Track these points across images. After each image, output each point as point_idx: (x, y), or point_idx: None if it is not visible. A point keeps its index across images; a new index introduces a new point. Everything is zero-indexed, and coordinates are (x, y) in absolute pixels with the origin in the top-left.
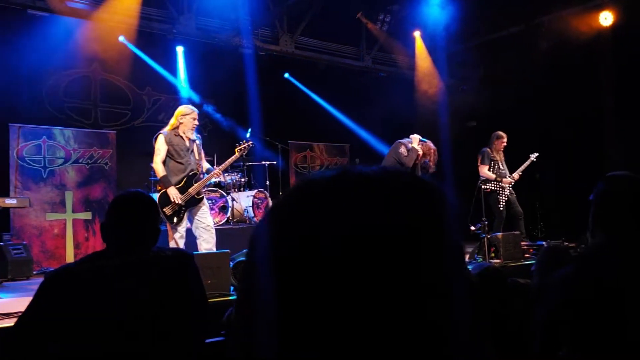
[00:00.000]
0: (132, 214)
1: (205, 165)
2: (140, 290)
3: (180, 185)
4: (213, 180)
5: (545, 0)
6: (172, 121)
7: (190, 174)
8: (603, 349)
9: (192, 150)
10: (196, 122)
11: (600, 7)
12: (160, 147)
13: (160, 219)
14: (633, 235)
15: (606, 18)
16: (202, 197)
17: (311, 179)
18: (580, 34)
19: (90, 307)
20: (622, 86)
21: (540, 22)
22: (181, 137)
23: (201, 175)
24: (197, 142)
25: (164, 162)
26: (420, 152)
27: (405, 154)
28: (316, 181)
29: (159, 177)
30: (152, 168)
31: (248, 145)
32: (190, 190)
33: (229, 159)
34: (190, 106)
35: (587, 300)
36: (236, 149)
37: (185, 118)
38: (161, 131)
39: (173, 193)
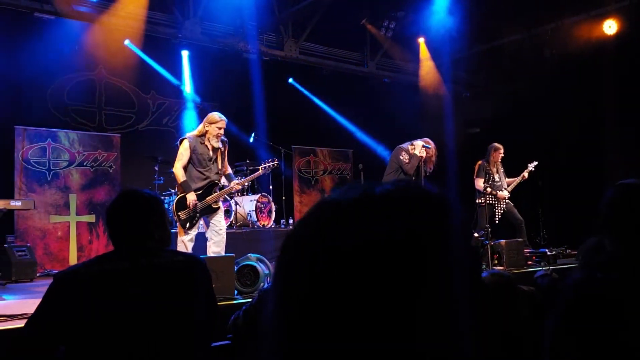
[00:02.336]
0: (142, 213)
1: (228, 170)
2: (152, 296)
3: (199, 193)
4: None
5: (549, 9)
6: (200, 127)
7: (210, 183)
8: (610, 357)
9: (216, 160)
10: (221, 132)
11: (605, 16)
12: (183, 152)
13: (170, 220)
14: (638, 242)
15: (610, 27)
16: (219, 207)
17: (332, 200)
18: (584, 42)
19: (99, 311)
20: (624, 94)
21: (544, 30)
22: (206, 145)
23: (220, 186)
24: (222, 148)
25: (185, 168)
26: (424, 155)
27: (407, 161)
28: (336, 202)
29: (179, 182)
30: (156, 171)
31: (273, 165)
32: (208, 199)
33: (252, 175)
34: (219, 114)
35: (594, 307)
36: (260, 167)
37: (211, 126)
38: (187, 135)
39: (191, 199)
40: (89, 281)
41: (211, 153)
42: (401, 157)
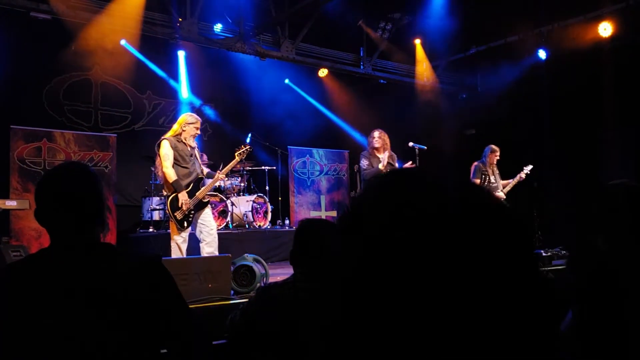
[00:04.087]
0: (94, 194)
1: (204, 170)
2: (98, 305)
3: (188, 190)
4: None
5: (545, 11)
6: (175, 127)
7: (197, 178)
8: (609, 354)
9: (195, 155)
10: (198, 132)
11: (600, 18)
12: (168, 152)
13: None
14: (630, 243)
15: (605, 29)
16: (208, 201)
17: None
18: (581, 44)
19: (33, 318)
20: (620, 96)
21: (540, 32)
22: (183, 143)
23: (205, 180)
24: (196, 148)
25: None
26: (379, 145)
27: (365, 167)
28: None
29: (170, 182)
30: (152, 172)
31: (247, 150)
32: (197, 194)
33: (230, 164)
34: (194, 115)
35: (588, 305)
36: (236, 154)
37: (188, 127)
38: (164, 137)
39: (184, 199)
40: (24, 283)
41: (189, 149)
42: (361, 164)
